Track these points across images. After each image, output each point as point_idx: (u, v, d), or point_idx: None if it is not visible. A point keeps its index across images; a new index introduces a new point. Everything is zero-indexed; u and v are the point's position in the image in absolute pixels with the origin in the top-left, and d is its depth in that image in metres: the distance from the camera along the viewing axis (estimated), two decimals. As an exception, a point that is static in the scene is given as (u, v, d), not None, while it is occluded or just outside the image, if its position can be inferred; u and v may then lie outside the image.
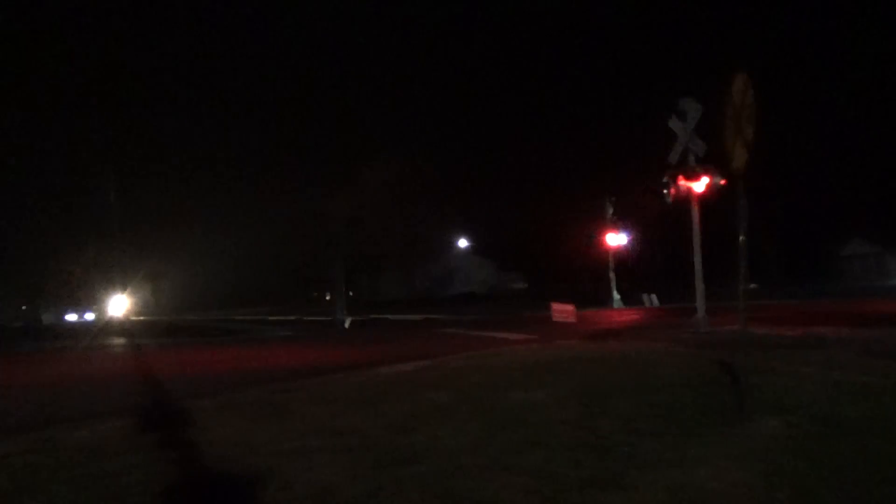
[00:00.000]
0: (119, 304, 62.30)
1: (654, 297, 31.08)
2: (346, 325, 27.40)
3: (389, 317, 35.81)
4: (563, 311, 13.44)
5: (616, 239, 31.47)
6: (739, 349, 9.47)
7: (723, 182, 11.41)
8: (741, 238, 5.96)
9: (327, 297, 27.45)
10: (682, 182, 12.14)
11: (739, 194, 5.98)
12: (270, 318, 44.60)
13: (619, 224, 31.23)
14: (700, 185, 11.99)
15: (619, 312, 27.77)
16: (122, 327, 42.05)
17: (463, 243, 77.90)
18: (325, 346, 19.22)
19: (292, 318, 42.49)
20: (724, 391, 7.00)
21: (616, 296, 31.14)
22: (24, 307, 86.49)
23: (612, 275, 31.16)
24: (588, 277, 38.94)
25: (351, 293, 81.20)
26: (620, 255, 32.61)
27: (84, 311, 78.48)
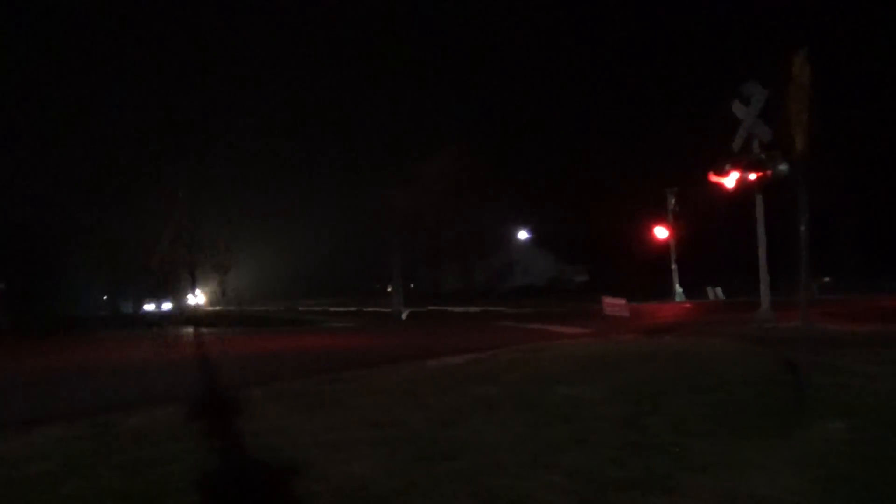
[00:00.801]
0: (196, 295, 64.75)
1: (718, 290, 29.96)
2: (403, 316, 27.59)
3: (447, 309, 35.85)
4: (614, 304, 13.04)
5: (678, 230, 30.46)
6: (805, 345, 8.99)
7: (788, 170, 10.77)
8: (801, 229, 5.59)
9: (389, 290, 27.65)
10: (744, 170, 11.56)
11: (799, 182, 5.59)
12: (332, 309, 45.43)
13: (681, 215, 30.21)
14: (764, 173, 11.38)
15: (680, 306, 26.90)
16: (195, 316, 43.61)
17: (523, 235, 77.18)
18: (380, 338, 19.39)
19: (353, 309, 43.17)
20: (784, 390, 6.62)
21: (678, 289, 30.14)
22: (105, 297, 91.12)
23: (674, 267, 30.17)
24: (651, 270, 37.88)
25: (413, 285, 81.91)
26: (683, 247, 31.58)
27: (162, 302, 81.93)
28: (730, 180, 11.63)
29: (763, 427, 5.51)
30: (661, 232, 30.30)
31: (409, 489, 4.34)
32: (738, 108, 12.02)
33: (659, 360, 8.77)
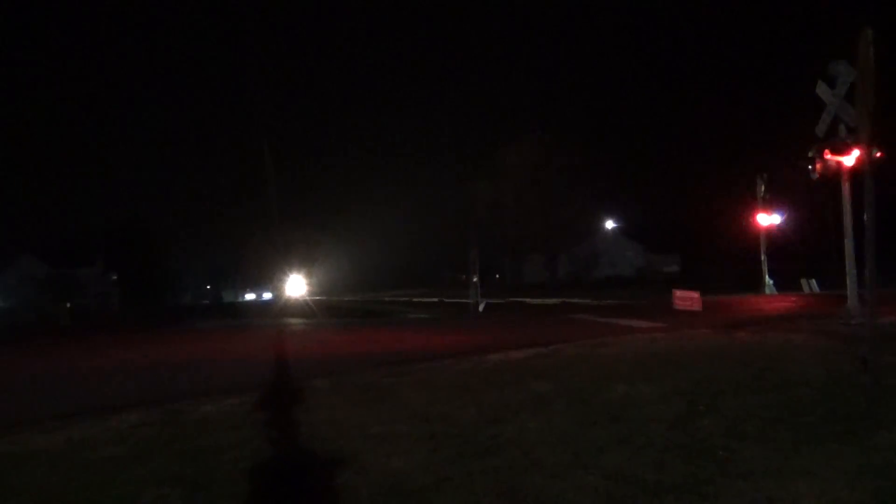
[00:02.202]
0: (295, 285, 67.43)
1: (813, 282, 28.18)
2: (481, 308, 27.66)
3: (527, 300, 35.67)
4: (686, 298, 12.48)
5: (768, 219, 28.82)
6: (892, 344, 8.37)
7: (879, 154, 9.97)
8: (866, 218, 5.22)
9: (474, 280, 27.93)
10: (829, 156, 10.81)
11: (866, 168, 5.22)
12: (415, 299, 46.27)
13: (772, 203, 28.55)
14: (850, 159, 10.59)
15: (769, 299, 25.50)
16: (288, 307, 45.51)
17: (610, 225, 75.47)
18: (453, 329, 19.55)
19: (434, 300, 43.77)
20: (856, 393, 6.20)
21: (768, 281, 28.57)
22: (207, 286, 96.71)
23: (763, 258, 28.61)
24: (744, 260, 36.13)
25: (497, 276, 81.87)
26: (775, 237, 29.86)
27: (262, 291, 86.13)
28: (813, 167, 10.90)
29: (824, 432, 5.20)
30: (763, 219, 28.78)
31: (440, 485, 4.41)
32: (822, 90, 11.24)
33: (725, 358, 8.40)
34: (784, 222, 29.86)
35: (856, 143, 10.38)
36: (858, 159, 10.29)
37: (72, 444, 6.01)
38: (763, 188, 28.40)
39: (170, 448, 5.61)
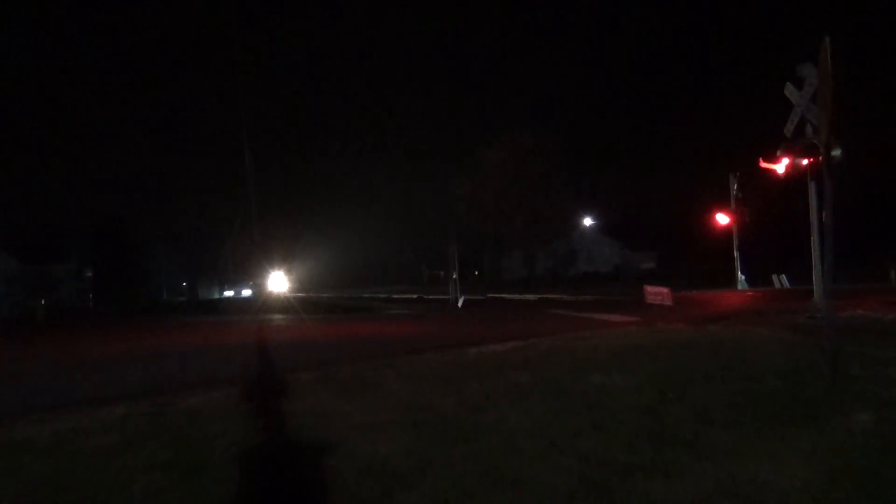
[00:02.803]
0: (275, 282, 67.19)
1: (783, 277, 28.91)
2: (460, 304, 27.92)
3: (506, 296, 36.02)
4: (657, 293, 12.85)
5: (741, 216, 29.51)
6: (857, 336, 8.78)
7: (840, 154, 10.38)
8: (823, 216, 5.55)
9: (454, 276, 28.15)
10: (796, 155, 11.22)
11: (825, 172, 5.55)
12: (395, 296, 46.38)
13: (744, 201, 29.23)
14: (817, 158, 10.97)
15: (741, 294, 26.14)
16: (268, 303, 45.36)
17: (588, 222, 76.25)
18: (433, 325, 19.78)
19: (414, 296, 43.95)
20: (819, 381, 6.56)
21: (741, 276, 29.26)
22: (184, 283, 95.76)
23: (736, 254, 29.28)
24: (717, 257, 36.91)
25: (477, 273, 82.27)
26: (747, 234, 30.58)
27: (242, 288, 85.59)
28: (780, 166, 11.31)
29: (787, 417, 5.52)
30: (722, 218, 29.51)
31: (424, 468, 4.63)
32: (790, 91, 11.64)
33: (696, 350, 8.74)
34: (756, 219, 30.56)
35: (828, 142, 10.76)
36: (823, 158, 10.67)
37: (60, 434, 6.12)
38: (736, 186, 29.04)
39: (160, 437, 5.76)
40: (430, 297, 39.74)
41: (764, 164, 11.82)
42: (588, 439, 5.17)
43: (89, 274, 77.64)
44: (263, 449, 5.50)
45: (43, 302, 45.53)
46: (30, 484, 4.75)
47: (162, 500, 4.30)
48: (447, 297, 29.67)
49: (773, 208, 29.56)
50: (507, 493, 4.12)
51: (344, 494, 4.24)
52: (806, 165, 11.40)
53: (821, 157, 11.07)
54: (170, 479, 4.66)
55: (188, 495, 4.36)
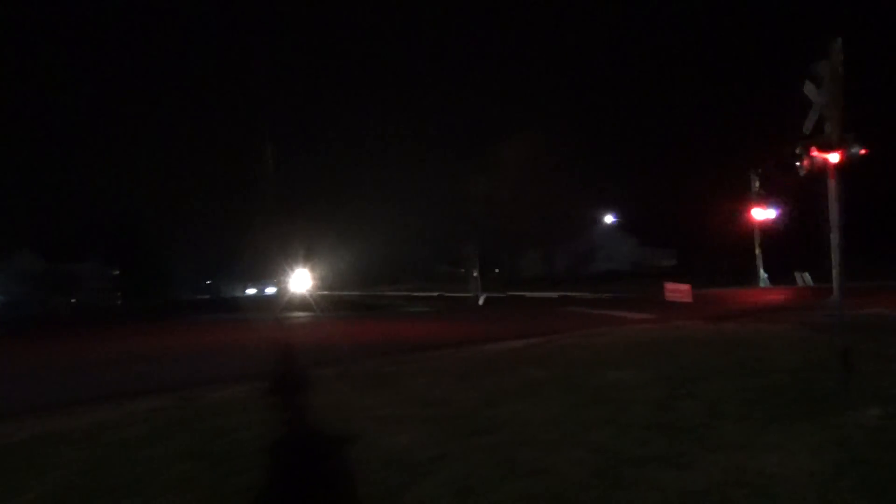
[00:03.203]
0: (296, 280, 67.78)
1: (806, 275, 28.62)
2: (480, 301, 28.08)
3: (526, 294, 36.07)
4: (676, 290, 12.89)
5: (762, 214, 29.23)
6: (870, 334, 8.82)
7: (862, 152, 10.35)
8: (832, 217, 5.66)
9: (474, 274, 28.33)
10: (815, 153, 11.15)
11: (834, 172, 5.63)
12: (415, 294, 46.65)
13: (766, 198, 28.96)
14: (835, 156, 10.94)
15: (762, 292, 25.99)
16: (291, 301, 45.86)
17: (607, 219, 75.80)
18: (453, 322, 19.98)
19: (435, 294, 44.16)
20: (829, 377, 6.63)
21: (763, 274, 29.02)
22: (207, 281, 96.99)
23: (758, 252, 29.05)
24: (740, 254, 36.60)
25: (497, 270, 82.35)
26: (769, 231, 30.29)
27: (264, 286, 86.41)
28: (834, 156, 11.10)
29: (797, 412, 5.62)
30: (757, 213, 29.22)
31: (442, 458, 4.83)
32: (809, 89, 11.55)
33: (710, 347, 8.84)
34: (778, 216, 30.28)
35: (841, 141, 10.75)
36: (842, 156, 10.66)
37: (95, 426, 6.42)
38: (757, 183, 28.82)
39: (189, 428, 6.03)
40: (450, 294, 39.95)
41: (785, 161, 11.75)
42: (601, 432, 5.32)
43: (114, 272, 78.95)
44: (287, 440, 5.73)
45: (73, 300, 46.49)
46: (69, 471, 5.03)
47: (192, 487, 4.54)
48: (467, 294, 29.83)
49: (796, 204, 29.26)
50: (522, 482, 4.30)
51: (366, 482, 4.45)
52: (826, 162, 11.34)
53: (840, 155, 11.12)
54: (199, 467, 4.91)
55: (217, 482, 4.60)
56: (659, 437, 5.10)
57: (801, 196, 26.93)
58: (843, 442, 4.80)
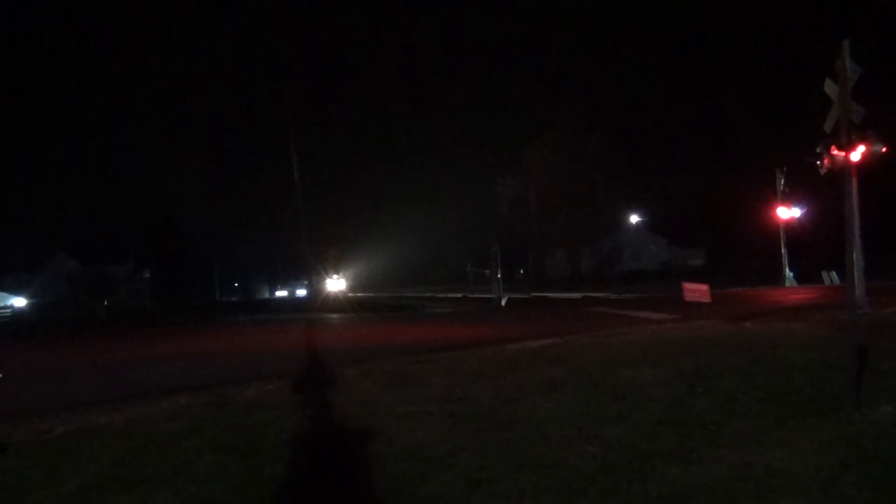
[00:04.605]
0: (325, 282, 68.70)
1: (833, 274, 28.22)
2: (503, 303, 28.22)
3: (549, 295, 36.15)
4: (695, 290, 12.87)
5: (788, 213, 28.89)
6: (891, 333, 8.80)
7: (884, 150, 10.35)
8: (847, 215, 5.75)
9: (497, 276, 28.53)
10: (836, 151, 11.13)
11: (847, 172, 5.73)
12: (440, 295, 46.98)
13: (792, 197, 28.63)
14: (856, 155, 10.91)
15: (788, 291, 25.70)
16: (323, 302, 46.48)
17: (634, 219, 75.28)
18: (475, 323, 20.17)
19: (459, 295, 44.43)
20: (846, 376, 6.68)
21: (788, 273, 28.69)
22: (236, 284, 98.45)
23: (784, 251, 28.73)
24: (763, 253, 36.22)
25: (522, 271, 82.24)
26: (795, 230, 29.92)
27: (295, 288, 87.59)
28: (854, 154, 11.04)
29: (809, 410, 5.72)
30: (783, 212, 28.92)
31: (458, 452, 5.03)
32: (829, 87, 11.50)
33: (727, 345, 8.90)
34: (804, 215, 29.91)
35: (861, 140, 10.74)
36: (864, 155, 10.66)
37: (131, 421, 6.75)
38: (783, 182, 28.50)
39: (220, 424, 6.32)
40: (475, 295, 40.12)
41: (807, 160, 11.71)
42: (614, 428, 5.48)
43: (146, 275, 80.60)
44: (312, 434, 6.00)
45: (105, 303, 47.71)
46: (105, 463, 5.33)
47: (223, 478, 4.80)
48: (491, 295, 29.99)
49: (822, 203, 28.87)
50: (535, 475, 4.48)
51: (384, 474, 4.67)
52: (846, 161, 11.31)
53: (863, 153, 11.08)
54: (229, 459, 5.18)
55: (246, 473, 4.86)
56: (670, 433, 5.24)
57: (827, 194, 26.61)
58: (852, 439, 4.90)
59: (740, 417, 5.61)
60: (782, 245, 28.73)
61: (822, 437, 4.96)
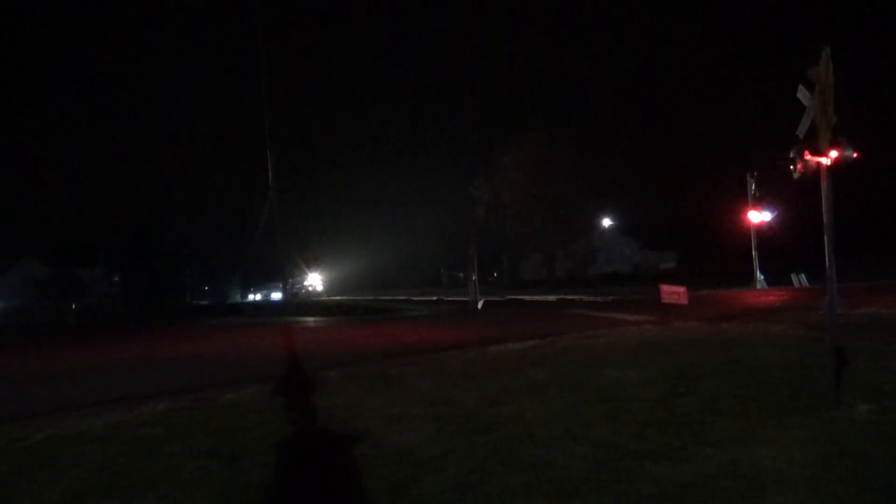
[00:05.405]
0: (299, 285, 68.05)
1: (803, 276, 28.84)
2: (479, 305, 28.25)
3: (525, 298, 36.25)
4: (672, 292, 13.09)
5: (759, 216, 29.47)
6: (865, 332, 9.01)
7: (855, 155, 10.55)
8: (825, 221, 5.87)
9: (473, 278, 28.51)
10: (809, 156, 11.35)
11: (826, 178, 5.84)
12: (415, 298, 46.84)
13: (762, 201, 29.20)
14: (828, 160, 11.13)
15: (759, 293, 26.21)
16: (298, 305, 45.99)
17: (607, 222, 75.98)
18: (453, 326, 20.16)
19: (434, 298, 44.34)
20: (824, 374, 6.81)
21: (759, 276, 29.26)
22: (206, 287, 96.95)
23: (755, 254, 29.28)
24: (734, 256, 36.86)
25: (495, 274, 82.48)
26: (765, 233, 30.52)
27: (269, 291, 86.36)
28: (827, 159, 11.26)
29: (791, 408, 5.82)
30: (754, 216, 29.49)
31: (447, 454, 5.02)
32: (802, 93, 11.75)
33: (707, 346, 9.03)
34: (774, 219, 30.51)
35: (833, 145, 10.95)
36: (836, 160, 10.85)
37: (110, 426, 6.60)
38: (754, 186, 29.06)
39: (202, 428, 6.22)
40: (450, 298, 40.10)
41: (779, 165, 11.94)
42: (601, 429, 5.51)
43: (116, 278, 79.10)
44: (298, 438, 5.93)
45: (74, 306, 46.64)
46: (87, 469, 5.21)
47: (206, 483, 4.72)
48: (467, 298, 30.01)
49: (792, 207, 29.51)
50: (524, 476, 4.48)
51: (373, 477, 4.63)
52: (819, 166, 11.55)
53: (834, 158, 11.30)
54: (214, 464, 5.09)
55: (230, 479, 4.78)
56: (656, 433, 5.29)
57: (797, 199, 27.21)
58: (834, 436, 4.99)
59: (724, 416, 5.69)
60: (753, 248, 29.27)
61: (805, 434, 5.05)
